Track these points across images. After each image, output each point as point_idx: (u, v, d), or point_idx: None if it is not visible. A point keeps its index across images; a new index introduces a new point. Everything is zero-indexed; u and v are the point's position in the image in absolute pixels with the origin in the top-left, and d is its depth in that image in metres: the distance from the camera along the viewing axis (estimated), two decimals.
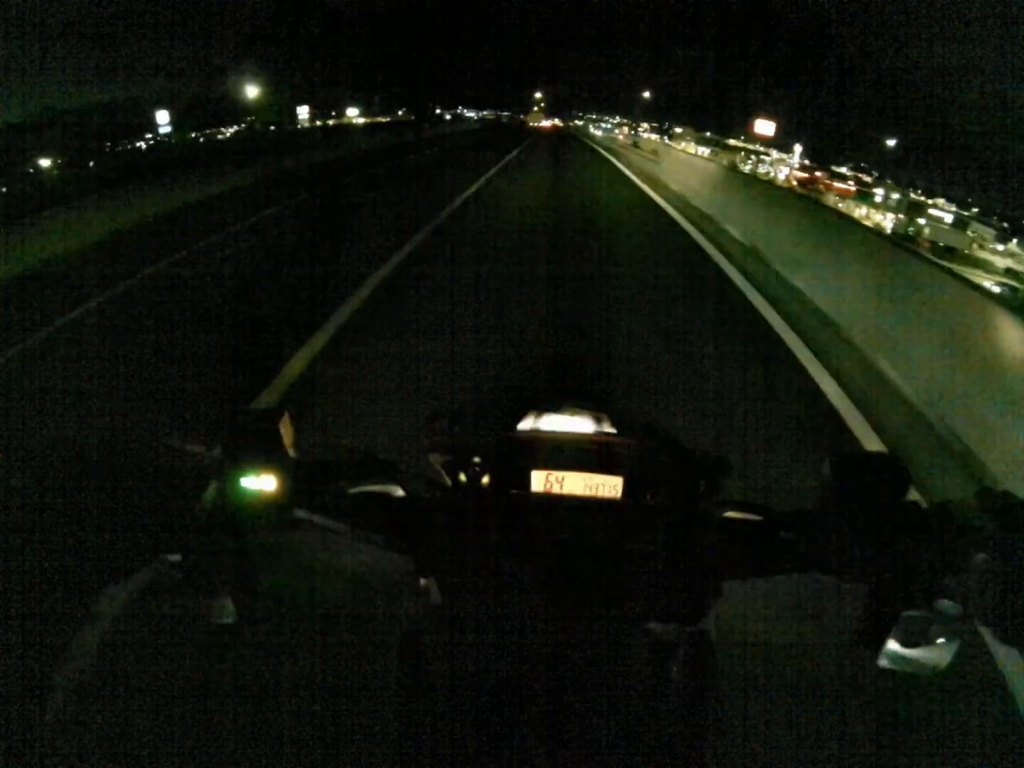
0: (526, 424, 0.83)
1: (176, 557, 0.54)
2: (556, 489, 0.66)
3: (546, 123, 78.86)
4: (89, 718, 1.63)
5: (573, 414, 0.83)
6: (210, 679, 1.73)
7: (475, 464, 0.66)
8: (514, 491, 0.66)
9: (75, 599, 0.55)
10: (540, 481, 0.66)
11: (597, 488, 0.66)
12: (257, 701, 1.67)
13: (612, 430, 0.82)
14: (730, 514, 0.64)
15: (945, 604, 0.47)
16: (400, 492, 0.66)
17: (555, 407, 0.85)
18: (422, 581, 0.56)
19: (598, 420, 0.82)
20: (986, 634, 0.47)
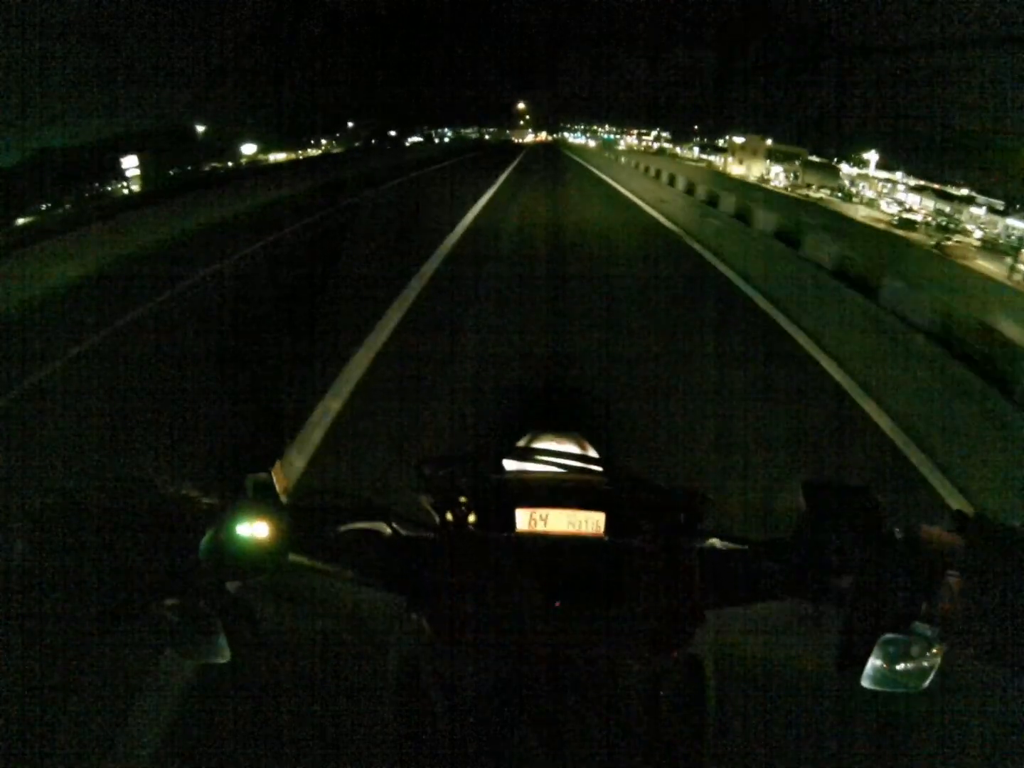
0: (521, 444, 0.91)
1: (173, 601, 0.56)
2: (540, 527, 0.68)
3: (530, 138, 75.62)
4: (90, 718, 1.63)
5: (560, 442, 0.92)
6: (210, 679, 1.73)
7: (462, 504, 0.68)
8: (498, 530, 0.68)
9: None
10: (525, 519, 0.69)
11: (580, 525, 0.68)
12: (257, 701, 1.67)
13: (595, 456, 0.88)
14: (710, 544, 0.66)
15: (921, 627, 0.49)
16: (388, 531, 0.68)
17: (543, 436, 0.95)
18: (413, 615, 0.58)
19: (583, 448, 0.91)
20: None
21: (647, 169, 17.49)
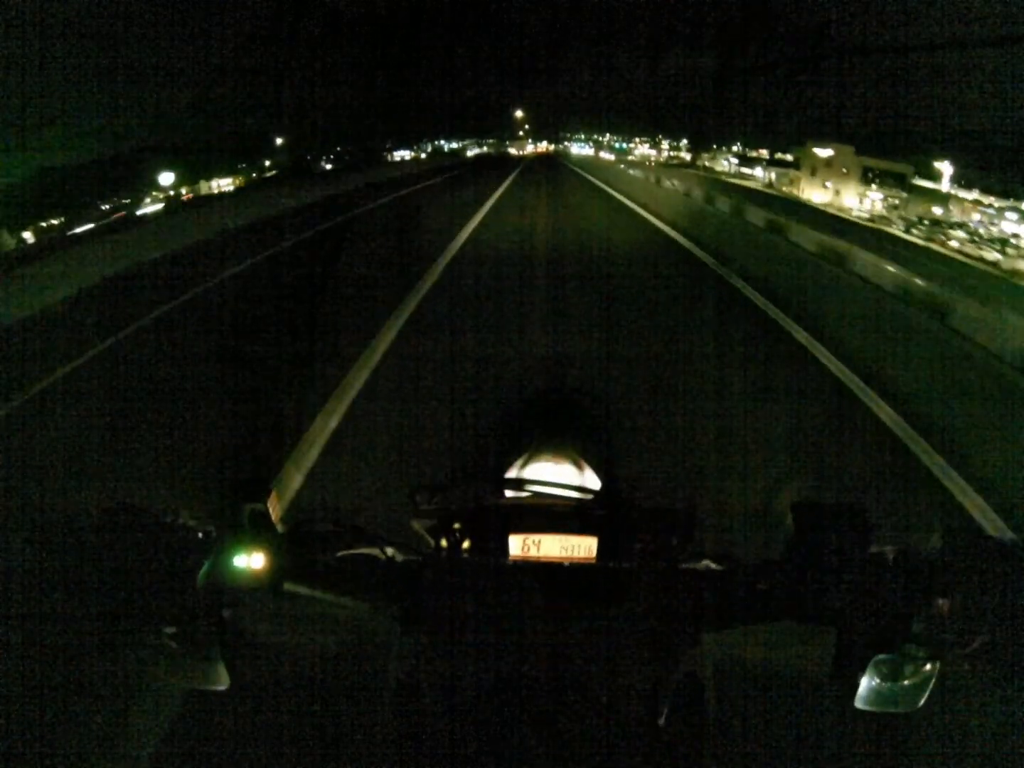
0: (512, 472, 0.89)
1: (172, 629, 0.56)
2: (533, 552, 0.68)
3: (530, 148, 73.29)
4: (90, 718, 1.63)
5: (556, 462, 0.89)
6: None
7: (456, 530, 0.68)
8: (491, 556, 0.69)
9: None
10: (518, 545, 0.69)
11: (573, 549, 0.68)
12: (257, 701, 1.67)
13: (592, 478, 0.88)
14: (703, 565, 0.66)
15: (913, 647, 0.49)
16: (383, 558, 0.68)
17: (539, 455, 0.92)
18: (409, 640, 0.59)
19: (579, 468, 0.89)
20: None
21: (688, 192, 12.83)
